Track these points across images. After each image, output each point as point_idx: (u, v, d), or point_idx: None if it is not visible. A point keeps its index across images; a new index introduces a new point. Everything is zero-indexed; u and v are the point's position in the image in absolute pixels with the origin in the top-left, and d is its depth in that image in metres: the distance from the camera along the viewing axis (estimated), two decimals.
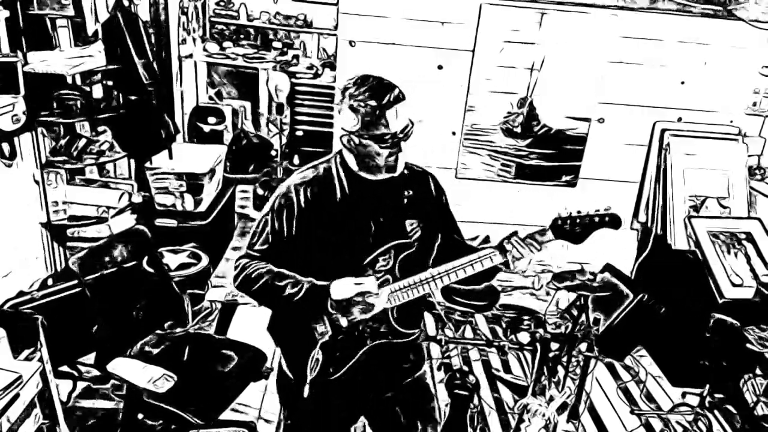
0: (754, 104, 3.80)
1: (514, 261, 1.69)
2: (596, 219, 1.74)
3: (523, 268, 1.78)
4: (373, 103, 1.60)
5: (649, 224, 3.88)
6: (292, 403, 1.92)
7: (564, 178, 3.92)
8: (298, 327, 1.76)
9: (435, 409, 1.95)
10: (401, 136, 1.67)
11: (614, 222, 1.74)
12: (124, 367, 2.25)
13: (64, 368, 2.78)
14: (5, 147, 2.99)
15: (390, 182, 1.73)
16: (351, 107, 1.62)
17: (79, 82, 3.44)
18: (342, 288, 1.65)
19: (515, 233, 1.71)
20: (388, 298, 1.70)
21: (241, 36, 5.88)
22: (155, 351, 2.48)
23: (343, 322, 1.71)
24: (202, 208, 3.95)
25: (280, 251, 1.73)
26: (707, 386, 3.04)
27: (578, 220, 1.72)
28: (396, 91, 1.65)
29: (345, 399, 1.84)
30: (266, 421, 2.86)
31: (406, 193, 1.78)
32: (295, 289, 1.67)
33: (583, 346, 2.85)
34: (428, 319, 3.84)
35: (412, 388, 1.89)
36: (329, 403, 1.82)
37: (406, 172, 1.77)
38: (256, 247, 1.74)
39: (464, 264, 1.70)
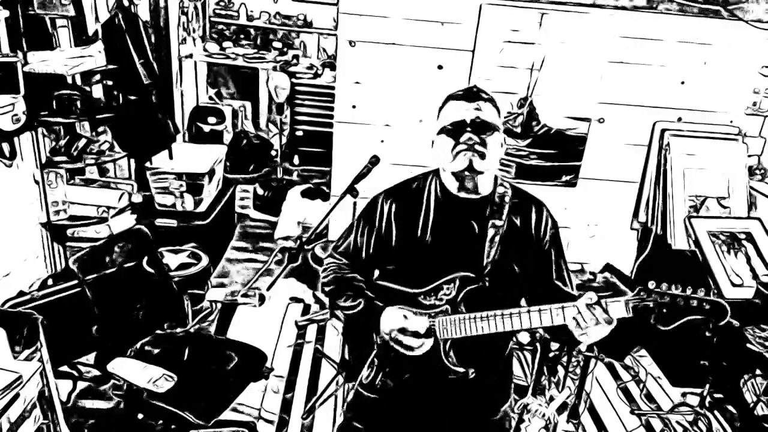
0: (754, 104, 3.80)
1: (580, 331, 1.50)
2: (694, 303, 1.38)
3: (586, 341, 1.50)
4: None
5: (649, 224, 3.88)
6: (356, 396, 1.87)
7: (564, 178, 3.92)
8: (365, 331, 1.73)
9: None
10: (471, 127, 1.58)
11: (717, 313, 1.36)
12: (124, 367, 2.25)
13: (64, 368, 2.79)
14: (5, 147, 2.99)
15: (483, 205, 1.64)
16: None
17: (79, 82, 3.45)
18: (390, 319, 1.62)
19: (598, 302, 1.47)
20: (437, 334, 1.61)
21: (241, 36, 5.88)
22: (155, 351, 2.48)
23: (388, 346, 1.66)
24: (202, 208, 3.95)
25: (358, 256, 1.75)
26: (707, 386, 3.04)
27: (666, 299, 1.40)
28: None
29: (395, 412, 1.80)
30: (266, 421, 2.86)
31: (497, 222, 1.64)
32: (352, 304, 1.69)
33: (583, 346, 2.85)
34: None
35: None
36: (382, 410, 1.79)
37: (516, 199, 1.67)
38: (339, 250, 1.79)
39: (533, 310, 1.52)
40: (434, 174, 1.72)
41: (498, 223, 1.64)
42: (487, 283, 1.62)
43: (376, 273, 1.79)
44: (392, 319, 1.62)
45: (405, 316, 1.61)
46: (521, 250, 1.66)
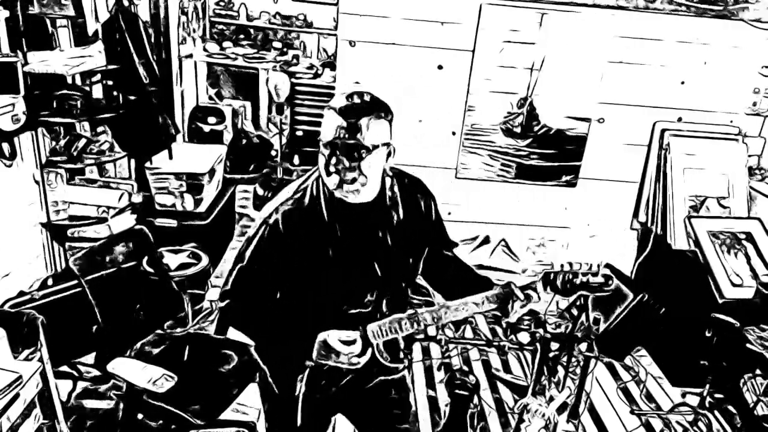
0: (754, 104, 3.80)
1: (512, 310, 1.66)
2: (585, 279, 1.64)
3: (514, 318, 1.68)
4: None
5: (649, 224, 3.88)
6: (278, 415, 1.90)
7: (564, 178, 3.92)
8: (285, 353, 1.74)
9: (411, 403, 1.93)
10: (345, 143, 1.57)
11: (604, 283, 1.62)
12: (124, 367, 2.25)
13: (64, 368, 2.79)
14: (5, 147, 2.99)
15: (378, 206, 1.66)
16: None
17: (79, 82, 3.45)
18: (326, 346, 1.60)
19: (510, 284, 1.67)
20: (373, 336, 1.64)
21: (241, 36, 5.88)
22: (155, 351, 2.48)
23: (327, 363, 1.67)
24: (202, 208, 3.95)
25: (265, 285, 1.68)
26: (707, 386, 3.04)
27: (570, 276, 1.64)
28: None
29: (326, 413, 1.88)
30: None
31: (395, 216, 1.68)
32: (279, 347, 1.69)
33: (583, 346, 2.84)
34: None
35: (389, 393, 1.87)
36: (313, 421, 1.83)
37: (396, 189, 1.70)
38: (242, 280, 1.67)
39: (456, 306, 1.65)
40: (316, 179, 1.68)
41: (399, 216, 1.69)
42: (404, 288, 1.73)
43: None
44: (331, 344, 1.59)
45: (341, 340, 1.60)
46: (417, 237, 1.74)
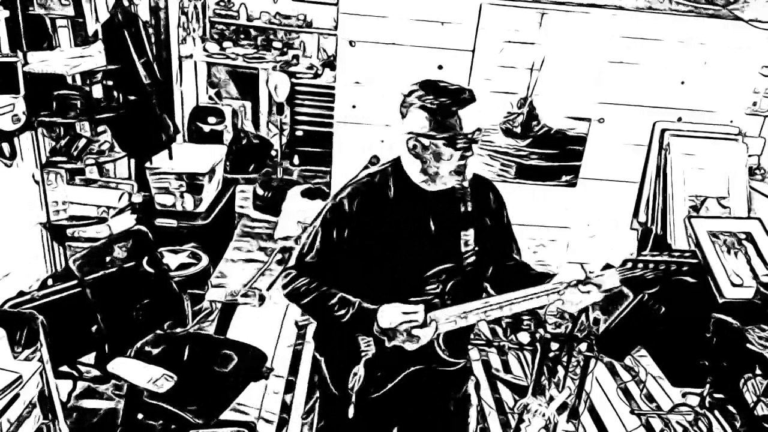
0: (754, 104, 3.80)
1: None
2: (673, 267, 1.51)
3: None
4: (446, 100, 1.52)
5: (649, 224, 3.88)
6: (331, 411, 1.87)
7: (564, 178, 3.92)
8: (343, 341, 1.70)
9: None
10: (472, 137, 1.56)
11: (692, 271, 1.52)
12: (124, 367, 2.24)
13: (64, 368, 2.78)
14: (5, 147, 2.99)
15: (448, 194, 1.64)
16: (422, 107, 1.53)
17: (79, 82, 3.44)
18: (389, 315, 1.57)
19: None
20: (436, 328, 1.59)
21: (242, 36, 5.89)
22: (155, 351, 2.48)
23: (388, 344, 1.63)
24: (202, 208, 3.95)
25: (329, 265, 1.67)
26: (707, 386, 3.04)
27: (651, 265, 1.52)
28: (467, 93, 1.57)
29: (382, 416, 1.80)
30: (266, 421, 2.86)
31: (463, 208, 1.66)
32: (342, 311, 1.61)
33: (583, 346, 2.84)
34: None
35: (449, 408, 1.84)
36: (366, 418, 1.76)
37: (466, 183, 1.65)
38: (306, 259, 1.68)
39: (522, 297, 1.57)
40: (394, 166, 1.67)
41: (467, 208, 1.66)
42: (469, 273, 1.65)
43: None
44: (391, 315, 1.58)
45: (403, 312, 1.58)
46: (486, 234, 1.69)
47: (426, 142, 1.54)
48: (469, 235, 1.65)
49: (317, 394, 2.01)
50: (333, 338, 1.79)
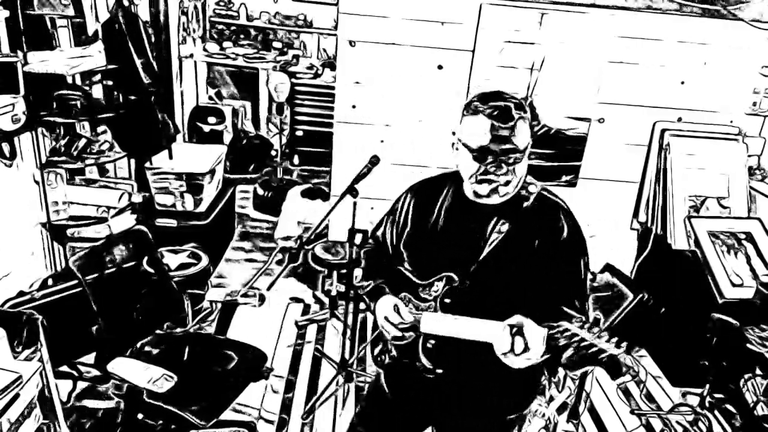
0: (754, 104, 3.80)
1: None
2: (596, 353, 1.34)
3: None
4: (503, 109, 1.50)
5: (649, 224, 3.87)
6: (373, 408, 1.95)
7: (564, 178, 3.92)
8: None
9: None
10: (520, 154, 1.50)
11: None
12: (124, 367, 2.25)
13: (64, 368, 2.79)
14: (5, 147, 2.99)
15: (498, 211, 1.58)
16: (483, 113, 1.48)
17: (79, 82, 3.45)
18: (382, 307, 1.68)
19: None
20: (420, 328, 1.61)
21: (242, 36, 5.89)
22: (155, 351, 2.48)
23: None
24: (202, 208, 3.95)
25: (385, 245, 1.81)
26: (707, 386, 3.04)
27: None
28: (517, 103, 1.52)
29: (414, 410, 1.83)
30: (266, 421, 2.86)
31: (502, 227, 1.57)
32: (364, 284, 1.78)
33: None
34: None
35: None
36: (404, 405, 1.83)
37: (526, 204, 1.60)
38: (375, 236, 1.86)
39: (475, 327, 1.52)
40: (458, 174, 1.64)
41: (503, 228, 1.56)
42: (467, 284, 1.58)
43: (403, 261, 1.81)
44: (383, 307, 1.67)
45: (395, 307, 1.65)
46: (522, 260, 1.56)
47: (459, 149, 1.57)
48: (489, 250, 1.56)
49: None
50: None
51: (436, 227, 1.67)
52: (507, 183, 1.52)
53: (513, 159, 1.49)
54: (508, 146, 1.47)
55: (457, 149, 1.57)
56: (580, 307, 1.54)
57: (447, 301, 1.62)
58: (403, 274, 1.73)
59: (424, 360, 1.68)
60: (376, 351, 1.85)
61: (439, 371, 1.69)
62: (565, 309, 1.50)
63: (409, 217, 1.72)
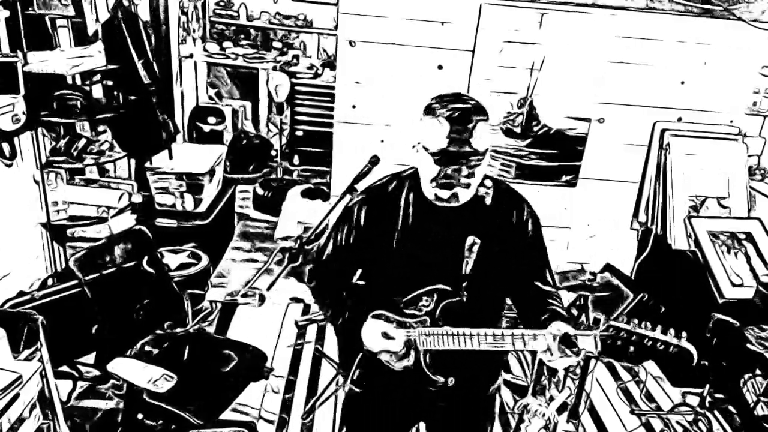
0: (754, 104, 3.80)
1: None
2: (661, 347, 1.39)
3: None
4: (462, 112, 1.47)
5: (649, 224, 3.88)
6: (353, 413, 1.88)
7: (564, 178, 3.92)
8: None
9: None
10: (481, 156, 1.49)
11: (681, 356, 1.40)
12: (124, 367, 2.25)
13: (64, 368, 2.79)
14: (5, 147, 2.99)
15: (464, 213, 1.56)
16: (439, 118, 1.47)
17: (79, 82, 3.45)
18: (370, 334, 1.58)
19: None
20: (414, 349, 1.57)
21: (241, 36, 5.89)
22: (155, 351, 2.48)
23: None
24: (202, 208, 3.95)
25: (337, 263, 1.70)
26: (707, 386, 3.04)
27: (635, 338, 1.41)
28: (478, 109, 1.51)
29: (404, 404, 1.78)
30: (266, 421, 2.86)
31: (480, 224, 1.57)
32: (341, 315, 1.66)
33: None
34: None
35: (477, 406, 1.81)
36: (387, 405, 1.77)
37: (489, 201, 1.60)
38: (320, 257, 1.73)
39: (508, 337, 1.50)
40: (412, 176, 1.62)
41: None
42: (464, 298, 1.58)
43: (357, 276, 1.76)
44: (372, 336, 1.58)
45: (385, 334, 1.57)
46: (500, 256, 1.60)
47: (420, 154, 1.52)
48: (471, 258, 1.57)
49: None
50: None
51: (400, 235, 1.59)
52: (468, 186, 1.51)
53: (474, 162, 1.47)
54: (467, 149, 1.45)
55: (417, 151, 1.54)
56: (552, 281, 1.65)
57: (438, 314, 1.59)
58: (364, 289, 1.68)
59: (432, 375, 1.61)
60: (356, 376, 1.71)
61: (451, 380, 1.64)
62: (540, 285, 1.62)
63: (367, 226, 1.62)
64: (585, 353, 1.45)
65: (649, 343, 1.38)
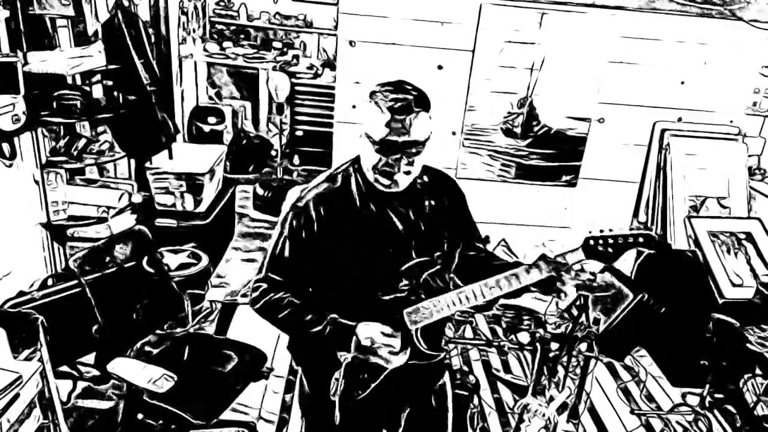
0: (754, 104, 3.80)
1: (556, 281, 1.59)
2: (630, 240, 1.59)
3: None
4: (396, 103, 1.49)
5: (649, 224, 3.88)
6: (316, 421, 1.86)
7: (564, 178, 3.92)
8: (320, 350, 1.69)
9: (449, 419, 1.95)
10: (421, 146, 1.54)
11: (648, 242, 1.61)
12: (124, 367, 2.25)
13: (64, 368, 2.78)
14: (5, 147, 2.99)
15: (410, 192, 1.63)
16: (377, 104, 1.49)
17: (79, 82, 3.44)
18: (369, 334, 1.58)
19: (543, 256, 1.61)
20: (411, 321, 1.62)
21: (242, 36, 5.88)
22: (155, 351, 2.48)
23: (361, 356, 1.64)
24: (202, 208, 3.95)
25: (300, 273, 1.66)
26: (707, 386, 3.04)
27: (611, 240, 1.58)
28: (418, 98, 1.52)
29: (366, 417, 1.79)
30: (266, 421, 2.86)
31: (427, 203, 1.67)
32: (319, 328, 1.60)
33: (583, 346, 2.84)
34: None
35: (430, 402, 1.87)
36: (352, 421, 1.75)
37: (426, 178, 1.68)
38: (276, 271, 1.65)
39: (494, 283, 1.59)
40: (352, 167, 1.66)
41: (431, 203, 1.67)
42: (440, 263, 1.66)
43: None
44: (371, 334, 1.58)
45: (384, 333, 1.58)
46: (450, 223, 1.72)
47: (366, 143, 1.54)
48: (436, 232, 1.67)
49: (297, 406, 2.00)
50: (310, 348, 1.76)
51: (359, 230, 1.62)
52: (408, 173, 1.55)
53: (415, 151, 1.51)
54: (407, 139, 1.48)
55: (360, 137, 1.55)
56: (480, 238, 1.84)
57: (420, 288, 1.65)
58: (337, 296, 1.66)
59: (423, 348, 1.66)
60: (340, 389, 1.68)
61: (440, 354, 1.74)
62: (479, 245, 1.82)
63: (328, 228, 1.61)
64: (580, 270, 1.61)
65: (621, 240, 1.58)
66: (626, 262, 3.99)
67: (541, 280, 1.59)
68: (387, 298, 1.64)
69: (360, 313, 1.61)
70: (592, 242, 1.58)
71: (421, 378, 1.81)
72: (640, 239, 1.59)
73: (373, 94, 1.52)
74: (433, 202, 1.68)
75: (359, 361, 1.63)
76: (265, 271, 1.67)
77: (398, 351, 1.59)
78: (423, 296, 1.63)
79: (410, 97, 1.50)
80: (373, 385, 1.69)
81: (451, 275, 1.77)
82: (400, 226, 1.64)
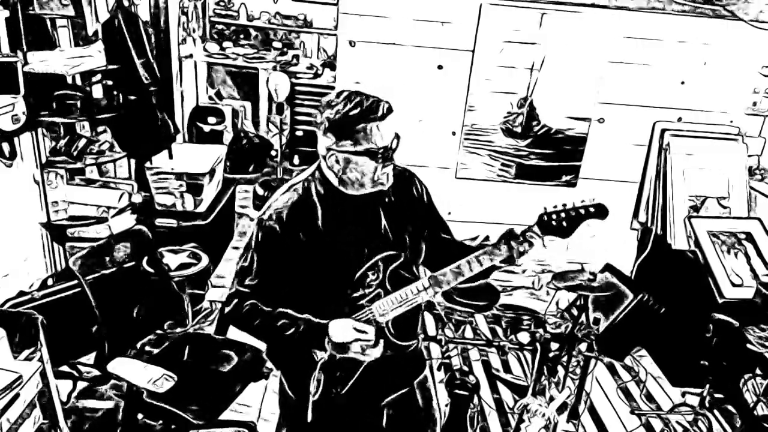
0: (754, 104, 3.80)
1: (517, 257, 1.69)
2: (582, 211, 1.72)
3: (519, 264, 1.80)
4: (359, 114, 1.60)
5: (649, 224, 3.87)
6: (295, 421, 1.87)
7: (564, 178, 3.92)
8: (296, 352, 1.73)
9: (435, 411, 1.97)
10: (392, 150, 1.62)
11: (601, 212, 1.73)
12: (124, 367, 2.25)
13: (64, 368, 2.79)
14: (5, 147, 2.99)
15: (372, 194, 1.68)
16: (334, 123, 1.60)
17: (79, 82, 3.44)
18: (341, 331, 1.61)
19: (511, 230, 1.72)
20: (380, 313, 1.67)
21: (241, 36, 5.88)
22: (155, 351, 2.48)
23: (338, 355, 1.67)
24: (202, 208, 3.95)
25: (270, 283, 1.68)
26: (707, 386, 3.04)
27: (563, 214, 1.70)
28: (385, 105, 1.65)
29: (347, 414, 1.82)
30: (266, 421, 2.86)
31: (387, 200, 1.72)
32: (292, 330, 1.64)
33: (583, 346, 2.85)
34: (428, 319, 3.85)
35: (412, 394, 1.90)
36: (332, 419, 1.79)
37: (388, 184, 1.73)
38: (246, 283, 1.68)
39: (458, 266, 1.67)
40: (312, 177, 1.74)
41: (390, 199, 1.72)
42: (405, 256, 1.72)
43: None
44: (342, 331, 1.61)
45: (355, 328, 1.62)
46: (413, 216, 1.78)
47: (343, 156, 1.60)
48: (397, 227, 1.72)
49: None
50: (286, 351, 1.80)
51: (326, 232, 1.66)
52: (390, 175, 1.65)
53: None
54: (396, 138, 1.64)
55: (340, 155, 1.61)
56: (447, 229, 1.91)
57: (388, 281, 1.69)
58: (307, 299, 1.69)
59: (392, 338, 1.71)
60: (320, 389, 1.72)
61: (413, 342, 1.81)
62: (447, 236, 1.89)
63: (294, 237, 1.64)
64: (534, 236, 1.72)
65: (573, 213, 1.71)
66: (626, 262, 4.00)
67: (503, 259, 1.69)
68: (357, 294, 1.68)
69: (332, 313, 1.65)
70: (545, 218, 1.69)
71: (400, 372, 1.85)
72: (592, 209, 1.72)
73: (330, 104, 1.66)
74: (393, 198, 1.73)
75: (336, 358, 1.66)
76: (236, 286, 1.70)
77: (373, 344, 1.62)
78: (390, 289, 1.69)
79: (385, 103, 1.71)
80: (351, 381, 1.73)
81: (420, 266, 1.82)
82: (364, 226, 1.69)
